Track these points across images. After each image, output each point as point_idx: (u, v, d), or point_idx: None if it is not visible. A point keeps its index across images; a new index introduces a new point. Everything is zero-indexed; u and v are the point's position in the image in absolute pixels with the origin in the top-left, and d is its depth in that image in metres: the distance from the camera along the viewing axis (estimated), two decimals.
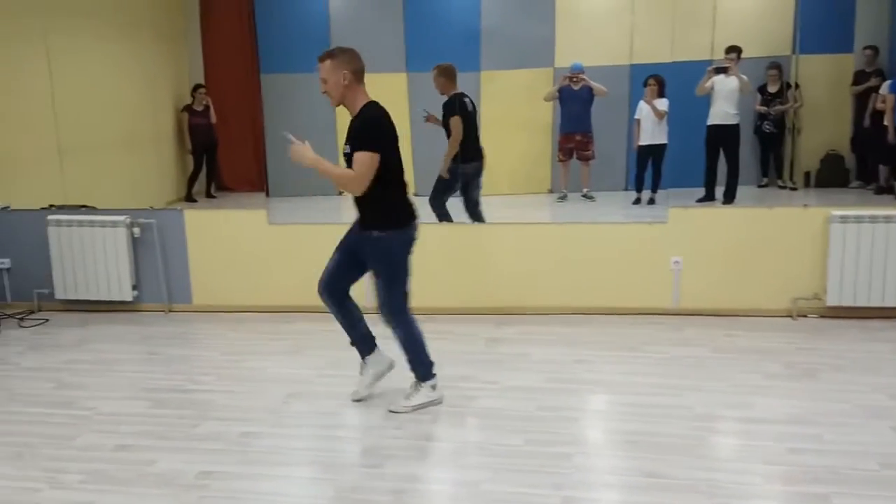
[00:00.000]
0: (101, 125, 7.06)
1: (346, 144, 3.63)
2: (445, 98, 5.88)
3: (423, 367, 3.87)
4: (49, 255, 5.56)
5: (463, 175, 5.91)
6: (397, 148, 3.71)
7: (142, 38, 6.20)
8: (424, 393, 3.87)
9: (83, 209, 5.71)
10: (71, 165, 6.08)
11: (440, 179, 5.89)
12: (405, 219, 3.73)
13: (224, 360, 4.67)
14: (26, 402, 4.08)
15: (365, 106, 3.64)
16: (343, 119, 3.79)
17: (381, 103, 3.67)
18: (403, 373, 3.90)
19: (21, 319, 5.53)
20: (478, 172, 5.95)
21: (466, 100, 5.88)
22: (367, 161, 3.53)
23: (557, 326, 5.05)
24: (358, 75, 3.63)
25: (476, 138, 5.97)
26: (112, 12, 7.14)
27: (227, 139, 8.53)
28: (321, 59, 3.62)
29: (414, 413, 3.81)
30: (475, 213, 5.89)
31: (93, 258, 5.51)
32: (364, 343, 3.98)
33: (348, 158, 3.62)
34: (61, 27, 6.14)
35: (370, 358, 3.99)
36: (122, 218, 5.47)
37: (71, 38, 6.42)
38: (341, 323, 3.95)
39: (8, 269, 5.73)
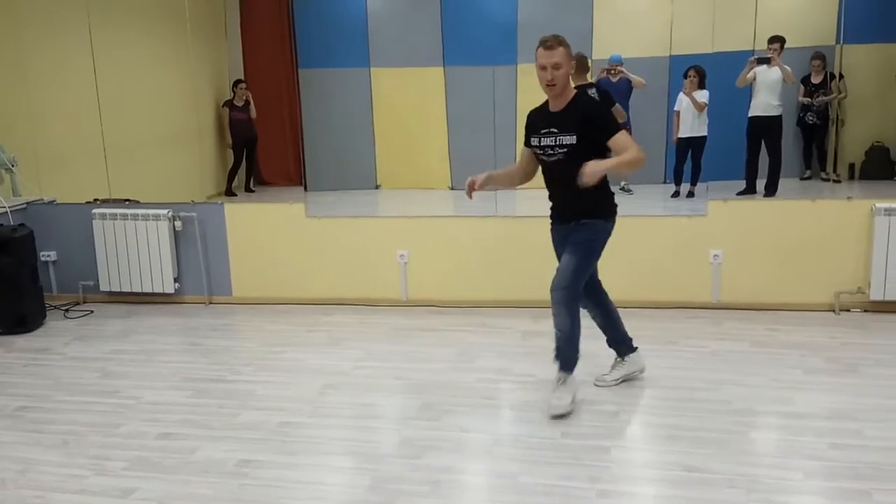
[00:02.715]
0: (143, 121, 7.19)
1: (567, 134, 3.49)
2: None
3: (623, 344, 3.99)
4: (94, 248, 5.68)
5: None
6: None
7: (183, 34, 6.29)
8: (627, 364, 4.00)
9: (127, 203, 5.81)
10: (115, 160, 6.19)
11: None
12: (613, 209, 3.70)
13: (263, 352, 4.73)
14: (72, 391, 4.18)
15: (577, 93, 3.56)
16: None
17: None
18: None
19: (67, 311, 5.66)
20: None
21: (592, 91, 5.71)
22: (629, 137, 3.47)
23: None
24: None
25: None
26: (154, 8, 7.27)
27: (266, 134, 8.64)
28: (552, 46, 3.38)
29: (450, 405, 3.83)
30: None
31: (136, 251, 5.62)
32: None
33: (570, 149, 3.49)
34: (105, 23, 6.26)
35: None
36: (164, 211, 5.57)
37: (114, 35, 6.55)
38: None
39: (54, 262, 5.87)
